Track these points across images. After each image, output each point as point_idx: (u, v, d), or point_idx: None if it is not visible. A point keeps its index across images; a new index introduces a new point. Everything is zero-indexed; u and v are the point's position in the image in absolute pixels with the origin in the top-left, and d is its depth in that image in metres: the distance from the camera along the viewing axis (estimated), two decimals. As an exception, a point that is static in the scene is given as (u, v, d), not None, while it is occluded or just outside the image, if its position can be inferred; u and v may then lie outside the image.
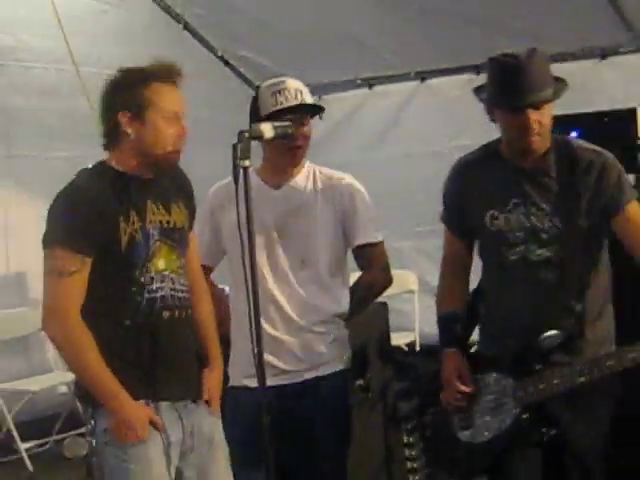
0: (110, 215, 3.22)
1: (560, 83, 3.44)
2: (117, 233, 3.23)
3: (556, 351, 3.38)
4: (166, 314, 3.36)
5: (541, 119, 3.36)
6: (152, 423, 3.25)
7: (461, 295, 3.78)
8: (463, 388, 3.57)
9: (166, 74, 3.31)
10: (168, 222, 3.41)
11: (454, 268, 3.80)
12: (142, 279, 3.29)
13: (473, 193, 3.62)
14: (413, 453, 4.12)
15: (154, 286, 3.32)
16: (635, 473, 4.52)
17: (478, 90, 3.52)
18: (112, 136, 3.32)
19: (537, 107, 3.33)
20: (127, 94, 3.25)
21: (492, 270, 3.69)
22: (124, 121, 3.25)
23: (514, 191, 3.50)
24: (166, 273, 3.38)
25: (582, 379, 3.28)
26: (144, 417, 3.23)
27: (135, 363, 3.28)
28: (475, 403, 3.57)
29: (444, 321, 3.75)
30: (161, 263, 3.36)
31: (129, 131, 3.25)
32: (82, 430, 6.85)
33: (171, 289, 3.39)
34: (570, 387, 3.31)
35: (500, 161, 3.57)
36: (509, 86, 3.34)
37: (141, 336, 3.29)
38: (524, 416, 3.42)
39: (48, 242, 3.19)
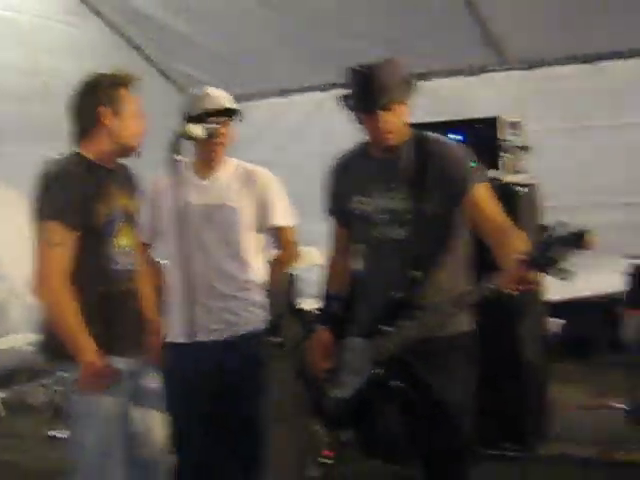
0: (91, 196, 3.26)
1: (410, 85, 3.37)
2: (96, 212, 3.27)
3: (400, 314, 3.32)
4: (129, 283, 3.42)
5: (393, 118, 3.31)
6: (113, 376, 3.28)
7: (345, 277, 3.72)
8: (322, 365, 3.57)
9: (132, 81, 3.41)
10: (129, 206, 3.47)
11: (341, 252, 3.74)
12: (111, 253, 3.33)
13: (345, 184, 3.57)
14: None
15: (120, 259, 3.37)
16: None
17: (344, 98, 3.44)
18: (89, 127, 3.34)
19: (388, 108, 3.28)
20: (108, 93, 3.32)
21: (363, 249, 3.61)
22: (105, 114, 3.31)
23: (377, 179, 3.44)
24: (127, 249, 3.42)
25: (413, 334, 3.27)
26: (109, 371, 3.25)
27: (102, 324, 3.28)
28: (342, 365, 3.53)
29: (325, 300, 3.72)
30: (124, 240, 3.40)
31: (107, 123, 3.31)
32: (43, 381, 6.86)
33: (131, 263, 3.45)
34: (406, 342, 3.28)
35: (367, 155, 3.51)
36: (362, 92, 3.30)
37: (108, 302, 3.32)
38: (376, 371, 3.37)
39: (43, 217, 3.20)
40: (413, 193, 3.36)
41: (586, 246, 2.75)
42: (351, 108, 3.41)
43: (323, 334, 3.59)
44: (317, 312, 3.97)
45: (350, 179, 3.55)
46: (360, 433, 3.65)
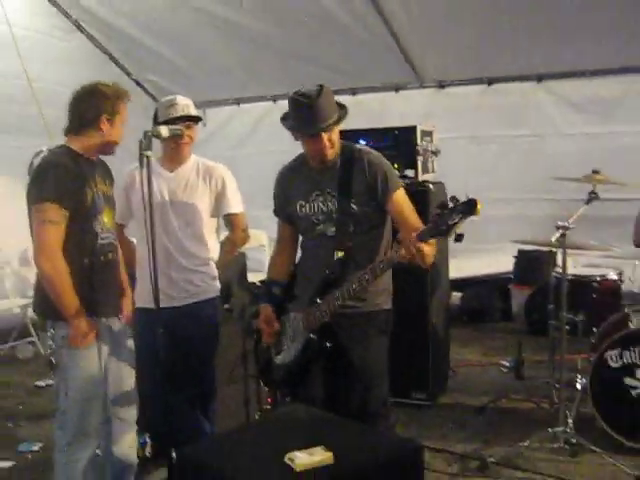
0: (80, 182, 3.24)
1: (342, 109, 3.39)
2: (84, 195, 3.25)
3: (329, 289, 3.36)
4: (110, 255, 3.41)
5: (331, 137, 3.33)
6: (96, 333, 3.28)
7: (286, 266, 3.72)
8: (268, 329, 3.57)
9: (127, 97, 3.41)
10: (108, 192, 3.46)
11: (284, 246, 3.73)
12: (96, 230, 3.31)
13: (289, 190, 3.57)
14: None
15: (104, 235, 3.35)
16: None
17: (284, 119, 3.44)
18: (87, 127, 3.31)
19: (327, 131, 3.31)
20: (111, 104, 3.31)
21: (304, 242, 3.65)
22: (103, 121, 3.29)
23: (314, 186, 3.46)
24: (109, 227, 3.41)
25: (338, 302, 3.30)
26: (93, 329, 3.25)
27: (88, 289, 3.27)
28: (283, 336, 3.56)
29: (267, 284, 3.73)
30: (106, 220, 3.39)
31: (103, 128, 3.30)
32: (30, 339, 6.77)
33: (113, 238, 3.44)
34: (334, 309, 3.32)
35: (306, 165, 3.52)
36: (304, 119, 3.29)
37: (93, 271, 3.30)
38: (311, 336, 3.42)
39: (40, 199, 3.16)
40: (343, 197, 3.40)
41: (475, 212, 2.81)
42: (292, 129, 3.40)
43: (267, 310, 3.59)
44: (260, 285, 3.96)
45: (293, 187, 3.56)
46: (298, 391, 3.65)
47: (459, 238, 2.94)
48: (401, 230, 3.34)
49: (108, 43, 8.01)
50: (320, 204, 3.46)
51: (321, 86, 3.30)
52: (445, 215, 2.86)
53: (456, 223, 2.85)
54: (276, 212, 3.71)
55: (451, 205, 2.86)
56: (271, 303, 3.60)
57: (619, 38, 6.02)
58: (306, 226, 3.52)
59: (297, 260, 3.74)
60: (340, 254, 3.38)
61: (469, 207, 2.81)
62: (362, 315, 3.44)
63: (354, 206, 3.39)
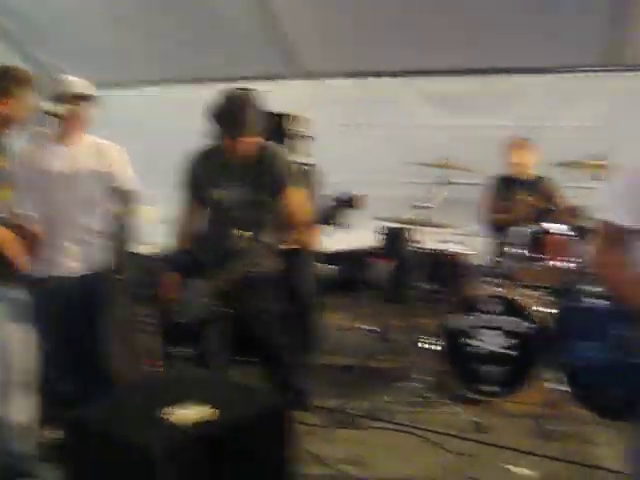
0: None
1: (263, 117, 3.52)
2: None
3: (229, 262, 3.48)
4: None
5: (249, 140, 3.46)
6: None
7: (190, 236, 3.79)
8: (174, 295, 3.65)
9: (32, 81, 3.26)
10: (4, 167, 3.26)
11: (190, 219, 3.79)
12: None
13: (204, 174, 3.63)
14: (148, 320, 4.16)
15: None
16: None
17: (212, 115, 3.48)
18: None
19: (247, 136, 3.43)
20: (9, 87, 3.16)
21: (211, 221, 3.74)
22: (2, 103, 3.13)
23: (229, 176, 3.56)
24: (6, 201, 3.23)
25: (238, 272, 3.45)
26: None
27: None
28: (187, 299, 3.62)
29: (175, 253, 3.79)
30: (2, 195, 3.21)
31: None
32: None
33: (7, 212, 3.25)
34: (236, 276, 3.46)
35: (222, 155, 3.58)
36: (230, 121, 3.40)
37: None
38: (211, 302, 3.53)
39: None
40: (252, 187, 3.54)
41: (356, 206, 3.02)
42: (216, 125, 3.47)
43: (173, 277, 3.68)
44: (153, 258, 3.99)
45: (208, 172, 3.63)
46: (199, 347, 3.72)
47: (343, 226, 3.13)
48: (289, 221, 3.52)
49: (6, 23, 7.57)
50: (232, 192, 3.56)
51: (248, 92, 3.42)
52: (330, 207, 3.06)
53: (339, 215, 3.06)
54: (187, 189, 3.74)
55: (334, 203, 3.06)
56: (178, 271, 3.67)
57: (470, 42, 6.22)
58: (217, 208, 3.63)
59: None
60: (241, 234, 3.45)
61: (350, 202, 3.04)
62: (256, 276, 3.57)
63: (261, 197, 3.55)
